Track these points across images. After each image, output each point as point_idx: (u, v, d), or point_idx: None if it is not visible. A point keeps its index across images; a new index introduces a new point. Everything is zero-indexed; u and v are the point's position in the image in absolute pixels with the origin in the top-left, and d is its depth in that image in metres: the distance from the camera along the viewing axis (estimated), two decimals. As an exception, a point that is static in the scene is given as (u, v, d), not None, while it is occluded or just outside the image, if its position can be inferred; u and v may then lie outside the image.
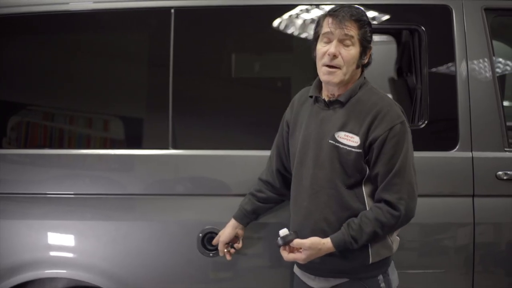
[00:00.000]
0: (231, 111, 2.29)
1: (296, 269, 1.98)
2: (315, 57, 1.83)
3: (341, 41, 1.74)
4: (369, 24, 1.79)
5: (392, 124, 1.71)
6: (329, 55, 1.74)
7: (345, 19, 1.73)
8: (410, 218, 1.76)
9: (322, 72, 1.78)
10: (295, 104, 1.98)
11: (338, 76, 1.75)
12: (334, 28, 1.74)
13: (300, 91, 2.02)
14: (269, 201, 2.07)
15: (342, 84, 1.79)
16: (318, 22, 1.82)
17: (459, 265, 2.18)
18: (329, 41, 1.76)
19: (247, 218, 2.06)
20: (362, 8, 1.83)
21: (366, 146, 1.74)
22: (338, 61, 1.74)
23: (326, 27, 1.76)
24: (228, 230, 2.07)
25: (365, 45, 1.78)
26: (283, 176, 2.03)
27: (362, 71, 1.86)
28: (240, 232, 2.09)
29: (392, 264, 1.89)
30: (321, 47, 1.78)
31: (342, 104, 1.80)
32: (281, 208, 2.13)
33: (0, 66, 2.35)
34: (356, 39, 1.75)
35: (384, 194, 1.72)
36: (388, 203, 1.72)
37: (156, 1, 2.28)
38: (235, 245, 2.10)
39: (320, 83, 1.88)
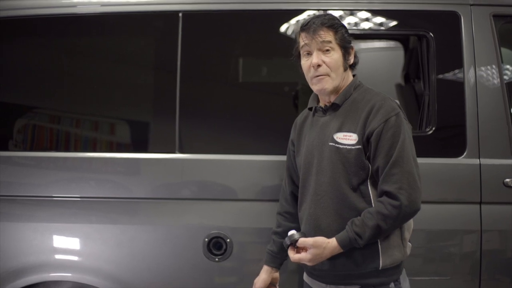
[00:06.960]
0: (238, 115, 2.29)
1: (306, 277, 1.96)
2: (303, 73, 1.86)
3: (320, 50, 1.77)
4: (343, 26, 1.82)
5: (387, 116, 1.72)
6: (313, 66, 1.78)
7: (318, 29, 1.76)
8: (414, 210, 1.71)
9: (313, 83, 1.81)
10: (297, 123, 2.00)
11: (328, 82, 1.78)
12: (310, 40, 1.77)
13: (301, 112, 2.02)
14: None
15: (335, 90, 1.82)
16: (295, 40, 1.86)
17: (465, 272, 2.17)
18: (309, 54, 1.79)
19: (277, 259, 2.01)
20: (331, 14, 1.86)
21: (364, 141, 1.74)
22: (323, 69, 1.77)
23: (302, 42, 1.80)
24: (262, 276, 2.00)
25: (346, 46, 1.81)
26: (297, 199, 1.98)
27: (354, 74, 1.88)
28: (276, 275, 2.02)
29: (404, 272, 1.87)
30: (304, 62, 1.82)
31: (338, 106, 1.82)
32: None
33: (7, 68, 2.36)
34: (334, 44, 1.78)
35: (384, 185, 1.71)
36: (388, 194, 1.70)
37: (164, 5, 2.28)
38: None
39: (316, 95, 1.91)
